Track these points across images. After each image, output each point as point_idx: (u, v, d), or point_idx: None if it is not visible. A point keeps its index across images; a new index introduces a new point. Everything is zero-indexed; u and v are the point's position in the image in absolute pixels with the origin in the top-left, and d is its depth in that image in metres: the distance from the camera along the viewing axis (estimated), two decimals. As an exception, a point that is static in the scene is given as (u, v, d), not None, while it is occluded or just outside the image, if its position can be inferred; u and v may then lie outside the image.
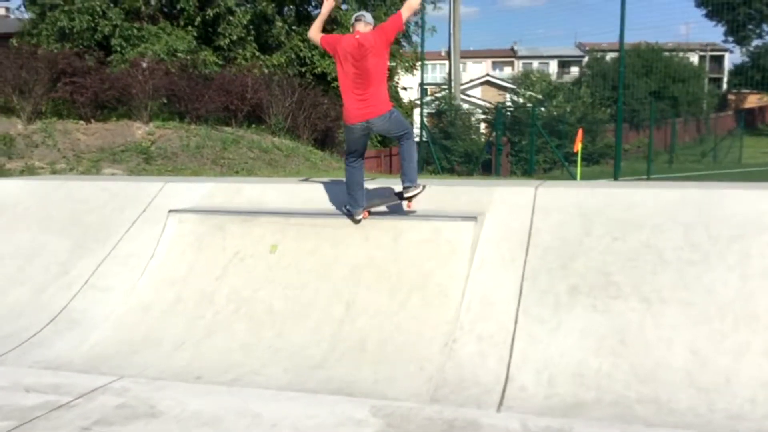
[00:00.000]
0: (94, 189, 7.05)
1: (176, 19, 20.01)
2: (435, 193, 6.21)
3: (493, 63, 71.30)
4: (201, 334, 5.07)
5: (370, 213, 5.68)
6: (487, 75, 59.45)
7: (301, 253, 5.56)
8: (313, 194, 6.46)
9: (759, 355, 4.16)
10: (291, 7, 24.45)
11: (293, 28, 22.75)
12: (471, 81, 58.49)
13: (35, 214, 6.78)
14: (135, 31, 18.66)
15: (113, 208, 6.64)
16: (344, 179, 5.85)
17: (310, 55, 21.77)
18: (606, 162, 28.74)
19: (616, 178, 14.99)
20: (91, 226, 6.44)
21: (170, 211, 6.15)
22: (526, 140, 25.25)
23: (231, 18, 19.19)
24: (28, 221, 6.70)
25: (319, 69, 21.46)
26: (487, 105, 33.16)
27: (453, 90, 27.27)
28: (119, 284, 5.71)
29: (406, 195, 5.67)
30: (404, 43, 27.12)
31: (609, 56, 49.45)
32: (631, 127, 36.48)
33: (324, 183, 6.77)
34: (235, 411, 3.92)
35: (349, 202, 5.64)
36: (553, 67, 66.61)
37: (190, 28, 19.33)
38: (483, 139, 25.41)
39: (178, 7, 19.56)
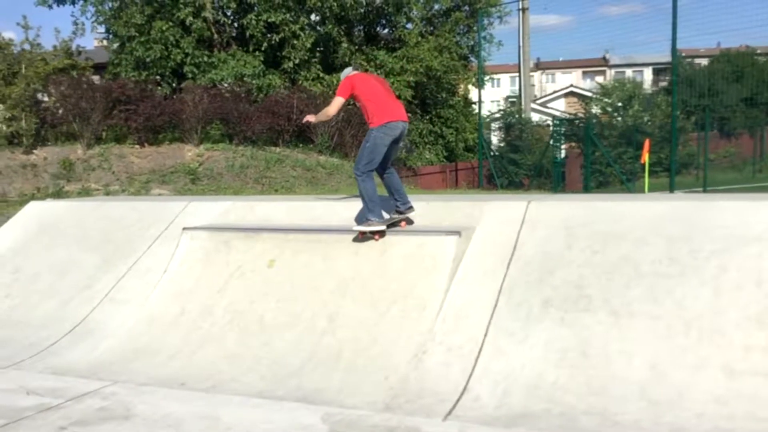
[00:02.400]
0: (126, 209, 7.60)
1: (247, 44, 20.94)
2: (432, 208, 6.38)
3: (584, 72, 69.86)
4: (196, 344, 5.41)
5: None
6: (571, 85, 58.43)
7: (296, 267, 5.83)
8: (320, 211, 6.74)
9: (717, 369, 4.10)
10: (360, 28, 25.11)
11: (362, 48, 23.32)
12: (554, 92, 57.75)
13: (73, 233, 7.38)
14: (206, 58, 19.65)
15: (140, 227, 7.14)
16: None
17: (376, 74, 22.23)
18: (688, 172, 27.77)
19: (671, 190, 14.55)
20: (119, 244, 6.96)
21: (184, 228, 6.58)
22: (600, 151, 24.81)
23: (295, 42, 19.89)
24: (66, 239, 7.30)
25: (383, 87, 21.86)
26: (565, 116, 32.68)
27: (523, 102, 27.09)
28: (134, 297, 6.16)
29: (410, 215, 6.04)
30: (472, 58, 27.21)
31: (702, 62, 47.58)
32: (721, 136, 35.06)
33: (335, 200, 7.04)
34: (199, 415, 4.21)
35: (377, 212, 5.73)
36: (647, 74, 64.46)
37: (257, 53, 20.17)
38: (560, 153, 25.05)
39: (248, 33, 20.48)
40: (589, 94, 47.23)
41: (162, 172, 11.01)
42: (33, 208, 8.10)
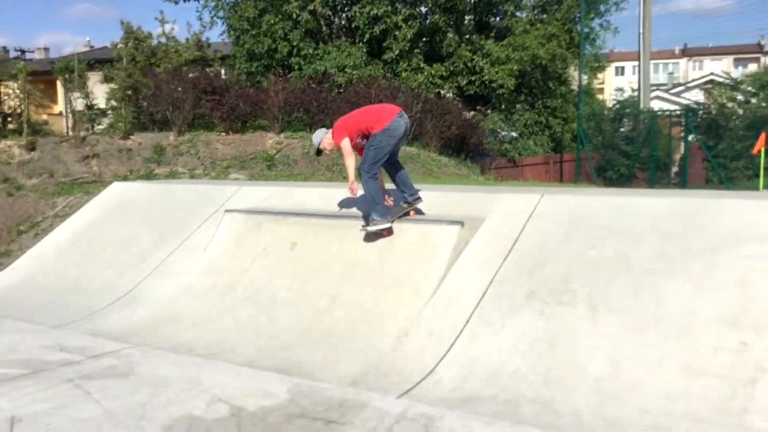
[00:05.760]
0: (188, 192, 8.28)
1: (353, 36, 21.55)
2: (449, 199, 6.53)
3: (735, 60, 65.36)
4: (215, 316, 5.91)
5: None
6: (711, 74, 54.99)
7: (313, 250, 6.19)
8: (350, 199, 7.03)
9: (676, 367, 4.05)
10: (470, 17, 24.99)
11: (471, 37, 23.23)
12: (693, 80, 54.63)
13: (141, 211, 8.15)
14: (311, 50, 20.44)
15: (195, 208, 7.77)
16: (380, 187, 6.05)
17: (481, 63, 22.09)
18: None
19: (761, 188, 13.67)
20: (175, 222, 7.62)
21: (226, 210, 7.11)
22: (724, 144, 23.42)
23: (397, 33, 20.24)
24: (134, 217, 8.08)
25: (487, 77, 21.76)
26: (693, 106, 30.85)
27: (641, 92, 25.89)
28: (176, 271, 6.77)
29: (417, 205, 6.17)
30: (587, 46, 26.34)
31: None
32: None
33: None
34: (185, 378, 4.65)
35: (381, 212, 5.90)
36: (809, 61, 59.16)
37: (361, 44, 20.71)
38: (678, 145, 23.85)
39: (353, 25, 21.07)
40: (729, 83, 44.16)
41: (242, 158, 11.77)
42: (114, 188, 8.99)
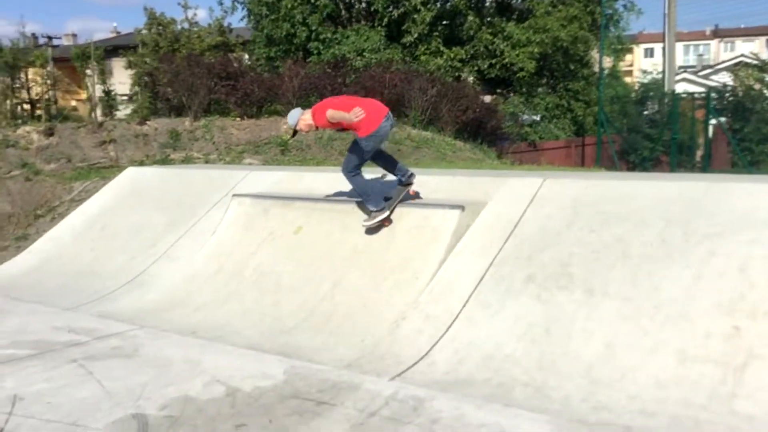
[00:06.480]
0: (200, 176, 8.37)
1: (372, 19, 21.49)
2: (455, 183, 6.53)
3: (768, 41, 64.03)
4: (222, 300, 6.00)
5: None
6: (742, 55, 53.87)
7: (318, 235, 6.24)
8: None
9: (670, 354, 4.03)
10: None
11: (492, 20, 23.02)
12: (723, 62, 53.61)
13: (154, 196, 8.27)
14: (329, 34, 20.45)
15: (206, 192, 7.86)
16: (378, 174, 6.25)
17: (502, 46, 21.89)
18: None
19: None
20: (187, 207, 7.72)
21: (233, 195, 7.18)
22: (751, 127, 23.04)
23: (415, 16, 20.14)
24: (147, 202, 8.19)
25: (507, 60, 21.59)
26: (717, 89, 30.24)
27: (666, 74, 25.47)
28: (185, 255, 6.87)
29: (411, 181, 6.11)
30: (612, 29, 25.95)
31: None
32: None
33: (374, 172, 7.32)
34: (187, 359, 4.76)
35: (375, 201, 5.90)
36: None
37: (379, 27, 20.65)
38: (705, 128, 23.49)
39: (372, 8, 21.03)
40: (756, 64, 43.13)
41: (256, 143, 11.84)
42: (129, 173, 9.12)
